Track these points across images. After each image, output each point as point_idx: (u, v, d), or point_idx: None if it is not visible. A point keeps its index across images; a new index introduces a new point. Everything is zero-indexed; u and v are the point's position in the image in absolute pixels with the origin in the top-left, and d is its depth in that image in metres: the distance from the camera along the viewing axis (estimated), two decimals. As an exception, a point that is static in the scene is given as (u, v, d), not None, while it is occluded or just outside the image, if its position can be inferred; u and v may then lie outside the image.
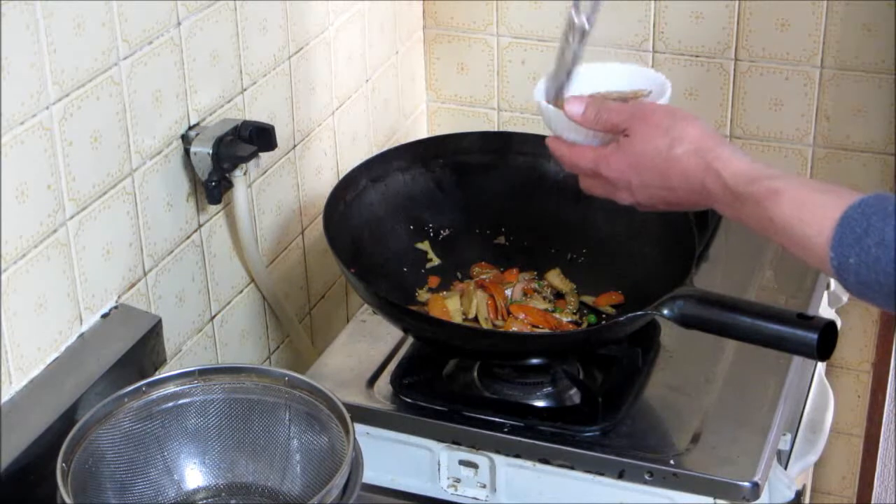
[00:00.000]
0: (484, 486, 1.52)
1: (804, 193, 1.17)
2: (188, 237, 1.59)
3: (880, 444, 2.20)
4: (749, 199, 1.20)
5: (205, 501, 1.37)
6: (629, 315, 1.45)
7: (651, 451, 1.45)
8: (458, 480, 1.53)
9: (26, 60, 1.26)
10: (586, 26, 1.42)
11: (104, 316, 1.43)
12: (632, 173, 1.31)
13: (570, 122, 1.36)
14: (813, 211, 1.15)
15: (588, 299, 1.64)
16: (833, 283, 1.91)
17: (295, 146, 1.82)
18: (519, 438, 1.47)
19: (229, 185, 1.59)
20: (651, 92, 1.42)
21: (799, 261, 1.19)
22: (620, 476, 1.44)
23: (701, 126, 1.29)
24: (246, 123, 1.58)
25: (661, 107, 1.34)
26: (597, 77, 1.43)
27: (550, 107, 1.39)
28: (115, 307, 1.45)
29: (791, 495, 1.52)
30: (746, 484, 1.40)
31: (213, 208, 1.62)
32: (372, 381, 1.58)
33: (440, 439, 1.51)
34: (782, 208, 1.17)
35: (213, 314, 1.66)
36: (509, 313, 1.60)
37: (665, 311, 1.39)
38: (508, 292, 1.64)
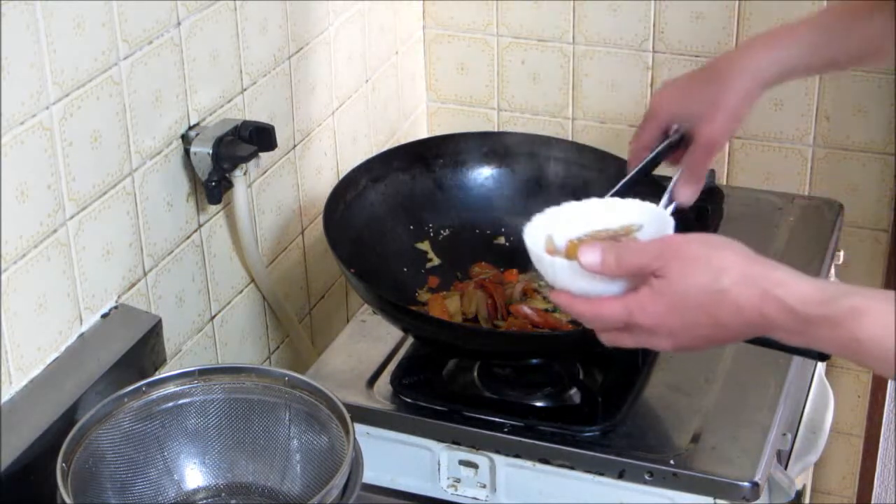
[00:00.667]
0: (484, 486, 1.52)
1: (885, 309, 1.08)
2: (188, 237, 1.59)
3: (880, 444, 2.20)
4: (824, 322, 1.10)
5: (205, 501, 1.37)
6: (629, 315, 1.45)
7: (651, 451, 1.45)
8: (458, 480, 1.53)
9: (26, 60, 1.26)
10: None
11: (104, 316, 1.43)
12: (674, 316, 1.17)
13: (582, 272, 1.20)
14: None
15: None
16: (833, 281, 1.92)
17: (295, 146, 1.82)
18: (519, 438, 1.47)
19: (229, 185, 1.59)
20: (643, 226, 1.28)
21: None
22: (620, 476, 1.44)
23: (741, 250, 1.17)
24: (246, 123, 1.58)
25: (693, 237, 1.20)
26: (579, 218, 1.30)
27: (556, 259, 1.23)
28: (115, 307, 1.45)
29: (791, 495, 1.52)
30: (746, 484, 1.40)
31: (213, 208, 1.62)
32: (372, 381, 1.58)
33: (440, 439, 1.51)
34: (868, 328, 1.08)
35: (213, 314, 1.66)
36: (509, 313, 1.60)
37: (665, 312, 1.39)
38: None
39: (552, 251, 1.26)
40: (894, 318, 1.07)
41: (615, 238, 1.26)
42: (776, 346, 1.35)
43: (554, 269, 1.23)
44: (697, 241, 1.18)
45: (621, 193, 1.43)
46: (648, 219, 1.29)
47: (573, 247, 1.24)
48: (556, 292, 1.25)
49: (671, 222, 1.27)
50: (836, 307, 1.10)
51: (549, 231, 1.28)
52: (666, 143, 1.51)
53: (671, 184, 1.48)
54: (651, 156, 1.51)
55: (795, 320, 1.12)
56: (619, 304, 1.20)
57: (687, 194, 1.48)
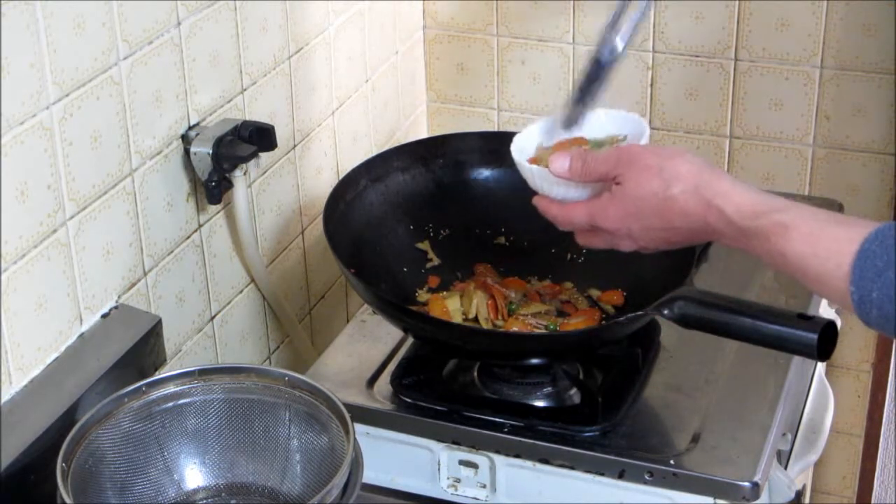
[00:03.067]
0: (484, 486, 1.52)
1: (815, 226, 1.14)
2: (188, 237, 1.59)
3: (880, 444, 2.20)
4: (757, 233, 1.18)
5: (205, 501, 1.37)
6: (629, 315, 1.45)
7: (651, 451, 1.45)
8: (458, 480, 1.53)
9: (26, 60, 1.26)
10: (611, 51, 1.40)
11: (104, 316, 1.43)
12: (631, 220, 1.28)
13: (555, 178, 1.33)
14: (827, 245, 1.12)
15: (594, 293, 1.65)
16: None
17: (295, 146, 1.82)
18: (519, 438, 1.47)
19: (229, 185, 1.59)
20: (627, 136, 1.39)
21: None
22: (620, 476, 1.44)
23: (693, 161, 1.26)
24: (246, 123, 1.58)
25: (648, 148, 1.31)
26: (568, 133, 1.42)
27: (533, 166, 1.36)
28: (115, 307, 1.45)
29: (791, 495, 1.52)
30: (746, 484, 1.40)
31: (213, 208, 1.62)
32: (372, 381, 1.58)
33: (440, 439, 1.51)
34: (793, 243, 1.14)
35: (213, 314, 1.66)
36: (510, 313, 1.60)
37: (665, 312, 1.39)
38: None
39: (541, 156, 1.37)
40: (817, 234, 1.13)
41: (600, 146, 1.36)
42: (776, 346, 1.35)
43: (532, 176, 1.36)
44: (653, 152, 1.28)
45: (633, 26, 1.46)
46: (631, 129, 1.39)
47: (550, 153, 1.36)
48: (537, 197, 1.38)
49: (647, 131, 1.38)
50: (766, 220, 1.17)
51: (540, 140, 1.42)
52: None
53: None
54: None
55: (732, 229, 1.20)
56: (584, 208, 1.32)
57: None
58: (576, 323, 1.59)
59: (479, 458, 1.50)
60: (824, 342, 1.30)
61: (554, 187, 1.35)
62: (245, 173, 1.61)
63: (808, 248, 1.13)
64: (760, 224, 1.17)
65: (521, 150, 1.41)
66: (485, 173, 1.74)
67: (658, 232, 1.27)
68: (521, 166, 1.38)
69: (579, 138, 1.40)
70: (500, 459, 1.49)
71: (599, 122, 1.42)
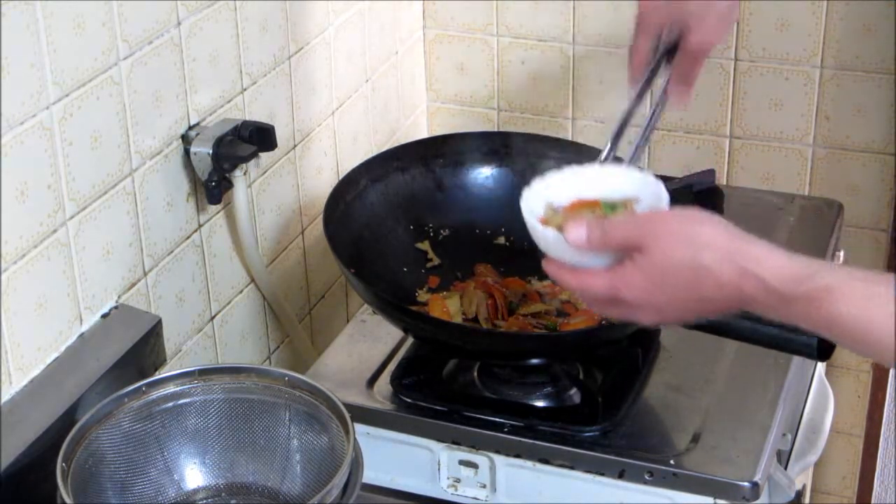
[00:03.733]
0: (484, 486, 1.52)
1: (860, 287, 1.09)
2: (188, 237, 1.59)
3: (880, 444, 2.20)
4: (800, 299, 1.11)
5: (205, 501, 1.37)
6: (629, 315, 1.45)
7: (651, 451, 1.45)
8: (458, 480, 1.53)
9: (26, 60, 1.26)
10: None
11: (104, 316, 1.43)
12: (657, 292, 1.18)
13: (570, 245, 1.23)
14: (879, 306, 1.08)
15: None
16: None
17: (295, 146, 1.82)
18: (519, 438, 1.47)
19: (229, 185, 1.59)
20: (640, 199, 1.29)
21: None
22: (620, 476, 1.44)
23: (722, 226, 1.17)
24: (246, 123, 1.58)
25: (674, 213, 1.22)
26: (576, 184, 1.32)
27: (548, 231, 1.24)
28: (115, 307, 1.45)
29: (791, 495, 1.52)
30: (746, 484, 1.40)
31: (213, 208, 1.62)
32: (372, 381, 1.58)
33: (440, 439, 1.51)
34: (841, 306, 1.09)
35: (213, 314, 1.66)
36: (510, 313, 1.60)
37: (665, 312, 1.39)
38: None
39: (550, 217, 1.27)
40: (867, 296, 1.08)
41: (612, 209, 1.28)
42: (776, 346, 1.35)
43: (546, 240, 1.25)
44: (679, 217, 1.19)
45: (646, 133, 1.48)
46: (646, 192, 1.30)
47: (564, 218, 1.27)
48: (547, 261, 1.26)
49: (666, 196, 1.28)
50: (812, 285, 1.11)
51: (549, 198, 1.31)
52: (663, 50, 1.49)
53: (662, 88, 1.49)
54: (652, 67, 1.49)
55: (773, 297, 1.13)
56: (605, 278, 1.21)
57: (681, 95, 1.50)
58: (576, 323, 1.59)
59: (479, 458, 1.50)
60: (824, 343, 1.30)
61: (567, 252, 1.23)
62: (245, 173, 1.61)
63: (856, 310, 1.09)
64: (804, 289, 1.11)
65: (531, 209, 1.29)
66: (485, 173, 1.74)
67: (686, 303, 1.19)
68: (533, 230, 1.27)
69: (592, 200, 1.30)
70: (500, 459, 1.49)
71: (612, 182, 1.32)
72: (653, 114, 1.50)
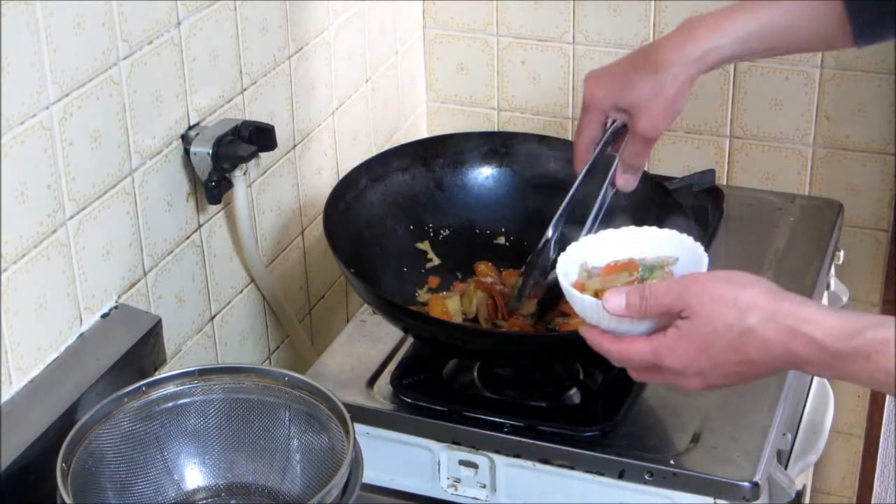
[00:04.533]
0: (484, 486, 1.52)
1: None
2: (188, 237, 1.59)
3: (880, 444, 2.20)
4: (855, 355, 1.10)
5: (205, 501, 1.37)
6: (629, 315, 1.45)
7: (651, 451, 1.45)
8: (458, 480, 1.53)
9: (26, 60, 1.26)
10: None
11: (104, 316, 1.43)
12: (703, 358, 1.17)
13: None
14: None
15: None
16: (833, 282, 1.91)
17: (295, 146, 1.82)
18: (519, 438, 1.47)
19: (229, 185, 1.59)
20: (678, 259, 1.27)
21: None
22: (620, 476, 1.44)
23: (766, 287, 1.16)
24: (246, 123, 1.58)
25: (715, 276, 1.19)
26: (613, 245, 1.30)
27: (585, 297, 1.22)
28: (115, 307, 1.45)
29: (791, 495, 1.52)
30: (746, 484, 1.40)
31: (213, 208, 1.62)
32: (372, 381, 1.58)
33: (440, 439, 1.51)
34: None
35: (213, 314, 1.66)
36: (510, 313, 1.60)
37: (665, 312, 1.39)
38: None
39: (586, 281, 1.25)
40: None
41: (651, 270, 1.26)
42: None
43: (584, 306, 1.23)
44: (723, 280, 1.17)
45: (597, 215, 1.48)
46: (683, 251, 1.28)
47: (602, 283, 1.25)
48: (585, 327, 1.25)
49: (705, 258, 1.26)
50: (866, 340, 1.10)
51: (583, 258, 1.29)
52: (609, 133, 1.50)
53: (610, 173, 1.49)
54: (597, 150, 1.50)
55: (825, 355, 1.12)
56: (647, 346, 1.20)
57: (628, 182, 1.50)
58: (576, 323, 1.59)
59: (479, 458, 1.50)
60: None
61: (606, 319, 1.22)
62: (245, 173, 1.61)
63: None
64: (857, 344, 1.10)
65: (566, 273, 1.27)
66: (485, 173, 1.74)
67: (733, 367, 1.17)
68: (570, 296, 1.24)
69: (629, 261, 1.27)
70: (500, 459, 1.49)
71: (648, 242, 1.30)
72: (602, 199, 1.50)
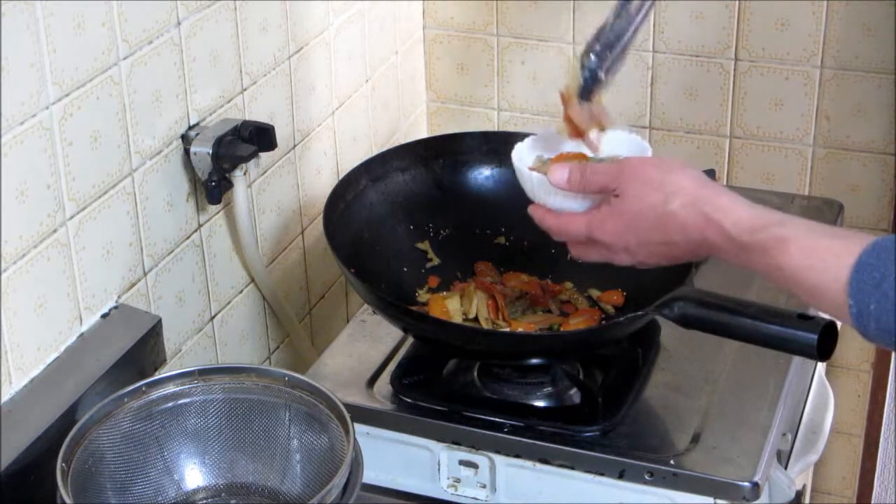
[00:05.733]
0: (484, 486, 1.52)
1: (812, 240, 1.14)
2: (188, 237, 1.59)
3: (880, 444, 2.20)
4: (755, 248, 1.17)
5: (205, 501, 1.37)
6: (629, 315, 1.45)
7: (651, 451, 1.45)
8: (458, 480, 1.53)
9: (26, 60, 1.26)
10: (602, 78, 1.40)
11: (104, 316, 1.43)
12: (629, 234, 1.27)
13: (553, 187, 1.33)
14: (825, 258, 1.11)
15: (594, 293, 1.65)
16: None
17: (295, 146, 1.82)
18: (519, 438, 1.47)
19: (229, 185, 1.59)
20: (626, 157, 1.37)
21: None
22: (620, 476, 1.44)
23: (694, 175, 1.25)
24: (246, 123, 1.58)
25: (649, 161, 1.31)
26: (570, 144, 1.41)
27: (532, 173, 1.36)
28: (115, 307, 1.45)
29: (791, 495, 1.52)
30: (746, 484, 1.40)
31: (213, 208, 1.62)
32: (372, 381, 1.58)
33: (440, 439, 1.51)
34: (791, 257, 1.14)
35: (213, 314, 1.66)
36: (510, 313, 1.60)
37: (665, 312, 1.39)
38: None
39: (538, 167, 1.37)
40: (816, 248, 1.12)
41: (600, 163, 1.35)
42: (777, 346, 1.35)
43: (531, 183, 1.36)
44: (655, 165, 1.27)
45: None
46: (633, 150, 1.39)
47: (548, 164, 1.37)
48: (533, 205, 1.37)
49: (649, 152, 1.39)
50: (765, 235, 1.16)
51: (541, 150, 1.42)
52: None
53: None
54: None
55: (732, 245, 1.19)
56: (582, 219, 1.31)
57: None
58: (576, 323, 1.59)
59: (479, 458, 1.50)
60: (824, 342, 1.30)
61: (551, 197, 1.35)
62: (245, 173, 1.61)
63: (805, 261, 1.13)
64: (759, 238, 1.17)
65: (521, 158, 1.41)
66: (485, 173, 1.74)
67: (656, 246, 1.26)
68: (520, 172, 1.39)
69: (580, 153, 1.40)
70: (500, 459, 1.49)
71: (604, 143, 1.41)
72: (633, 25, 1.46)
